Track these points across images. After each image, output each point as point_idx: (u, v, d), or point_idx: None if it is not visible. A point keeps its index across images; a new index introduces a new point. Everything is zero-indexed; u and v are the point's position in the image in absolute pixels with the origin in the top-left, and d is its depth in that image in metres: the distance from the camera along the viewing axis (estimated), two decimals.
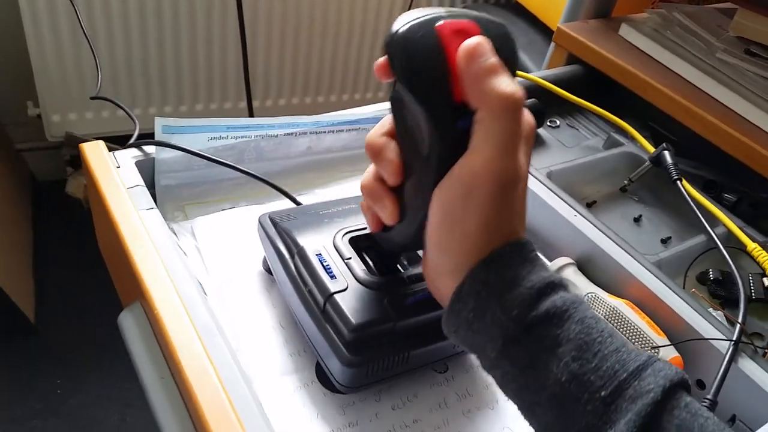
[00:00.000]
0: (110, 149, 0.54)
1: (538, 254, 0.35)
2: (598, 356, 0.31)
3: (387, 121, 0.37)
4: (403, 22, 0.32)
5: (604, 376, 0.30)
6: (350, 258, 0.43)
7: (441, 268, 0.35)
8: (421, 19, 0.32)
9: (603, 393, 0.30)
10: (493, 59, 0.32)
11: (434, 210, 0.34)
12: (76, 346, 1.33)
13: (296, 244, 0.44)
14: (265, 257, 0.50)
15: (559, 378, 0.31)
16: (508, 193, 0.33)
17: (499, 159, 0.32)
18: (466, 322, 0.33)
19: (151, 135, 0.55)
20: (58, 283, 1.44)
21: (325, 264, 0.42)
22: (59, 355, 1.31)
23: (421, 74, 0.31)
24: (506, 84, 0.32)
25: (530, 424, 0.33)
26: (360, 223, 0.46)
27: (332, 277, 0.41)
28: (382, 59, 0.33)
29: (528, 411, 0.33)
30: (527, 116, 0.35)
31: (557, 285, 0.33)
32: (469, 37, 0.32)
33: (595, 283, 0.54)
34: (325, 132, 0.63)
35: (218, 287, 0.49)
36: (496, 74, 0.31)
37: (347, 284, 0.41)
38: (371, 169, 0.38)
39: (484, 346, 0.33)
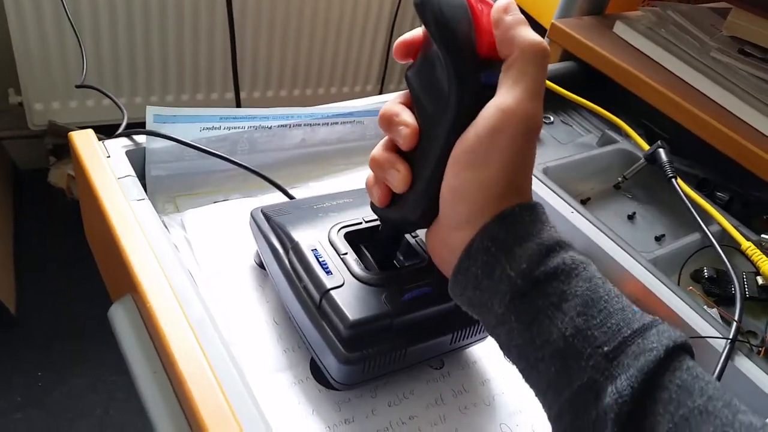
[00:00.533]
0: (101, 140, 0.53)
1: (548, 217, 0.35)
2: (603, 313, 0.31)
3: (401, 94, 0.38)
4: None
5: (608, 332, 0.30)
6: (346, 253, 0.42)
7: (454, 220, 0.35)
8: None
9: (606, 348, 0.30)
10: (521, 15, 0.34)
11: (456, 155, 0.34)
12: (57, 338, 1.31)
13: (291, 239, 0.43)
14: (257, 251, 0.49)
15: (563, 332, 0.31)
16: (530, 139, 0.34)
17: (528, 101, 0.33)
18: (475, 279, 0.34)
19: (138, 125, 0.53)
20: (39, 274, 1.42)
21: (320, 259, 0.41)
22: (41, 347, 1.29)
23: (451, 26, 0.33)
24: (535, 34, 0.34)
25: (531, 385, 0.34)
26: (355, 217, 0.45)
27: (328, 272, 0.40)
28: (404, 36, 0.37)
29: (531, 369, 0.33)
30: None
31: (567, 245, 0.34)
32: (489, 5, 0.35)
33: None
34: (319, 124, 0.62)
35: (209, 282, 0.48)
36: (525, 26, 0.34)
37: (343, 280, 0.40)
38: (382, 142, 0.39)
39: (491, 303, 0.33)
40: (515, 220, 0.33)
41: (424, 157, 0.36)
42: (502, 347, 0.35)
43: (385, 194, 0.39)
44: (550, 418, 0.33)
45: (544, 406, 0.33)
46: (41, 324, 1.33)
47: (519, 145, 0.33)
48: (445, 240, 0.36)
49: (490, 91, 0.34)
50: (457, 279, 0.35)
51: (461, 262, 0.34)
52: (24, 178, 1.59)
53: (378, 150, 0.38)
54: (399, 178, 0.37)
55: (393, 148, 0.38)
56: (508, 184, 0.34)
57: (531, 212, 0.34)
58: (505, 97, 0.33)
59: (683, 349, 0.31)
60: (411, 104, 0.37)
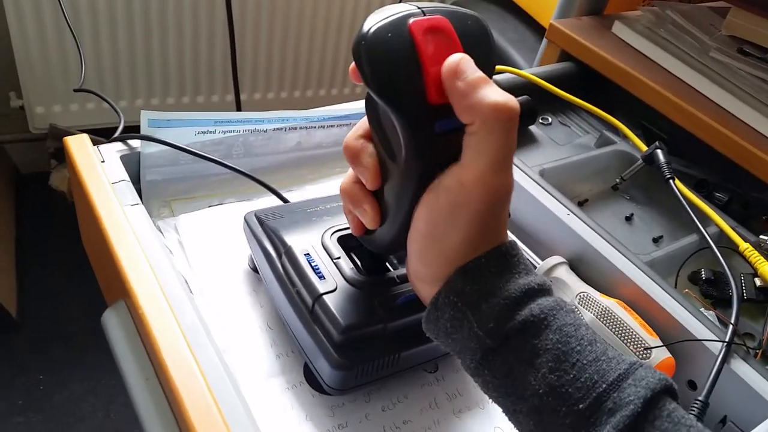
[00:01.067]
0: (95, 142, 0.53)
1: (521, 256, 0.34)
2: (576, 367, 0.30)
3: (363, 123, 0.36)
4: (371, 23, 0.30)
5: (582, 388, 0.29)
6: (339, 258, 0.42)
7: (420, 276, 0.35)
8: (391, 18, 0.30)
9: (581, 406, 0.29)
10: (477, 73, 0.31)
11: (417, 220, 0.33)
12: (59, 342, 1.31)
13: (284, 244, 0.43)
14: (251, 256, 0.49)
15: (537, 390, 0.30)
16: (497, 210, 0.32)
17: (491, 175, 0.31)
18: (445, 330, 0.33)
19: (138, 128, 0.53)
20: (41, 278, 1.42)
21: (313, 264, 0.41)
22: (42, 351, 1.29)
23: (393, 78, 0.30)
24: (498, 94, 0.30)
25: (515, 427, 0.33)
26: None
27: (321, 277, 0.40)
28: (353, 64, 0.32)
29: (511, 416, 0.33)
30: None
31: (537, 291, 0.32)
32: (442, 34, 0.31)
33: (587, 283, 0.54)
34: (315, 127, 0.62)
35: (203, 286, 0.48)
36: (485, 85, 0.30)
37: (336, 285, 0.40)
38: (350, 173, 0.37)
39: (464, 356, 0.33)
40: (480, 272, 0.32)
41: (390, 199, 0.35)
42: (482, 390, 0.34)
43: (358, 225, 0.38)
44: None
45: None
46: (42, 327, 1.33)
47: (483, 218, 0.32)
48: (414, 285, 0.36)
49: (452, 136, 0.32)
50: (428, 327, 0.34)
51: (429, 313, 0.34)
52: (25, 182, 1.59)
53: (346, 182, 0.37)
54: (367, 217, 0.36)
55: (360, 181, 0.36)
56: (472, 250, 0.32)
57: (498, 261, 0.32)
58: (468, 170, 0.31)
59: (664, 392, 0.30)
60: (371, 135, 0.35)
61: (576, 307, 0.51)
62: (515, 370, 0.31)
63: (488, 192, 0.31)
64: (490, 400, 0.44)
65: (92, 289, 0.57)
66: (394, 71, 0.30)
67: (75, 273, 1.40)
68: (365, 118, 0.35)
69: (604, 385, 0.29)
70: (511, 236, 0.57)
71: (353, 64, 0.31)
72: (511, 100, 0.31)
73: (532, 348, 0.31)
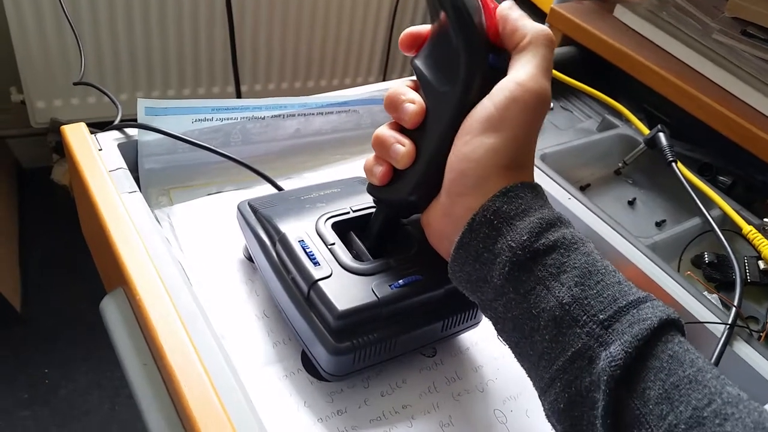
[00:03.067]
0: (93, 132, 0.52)
1: (548, 199, 0.37)
2: (600, 284, 0.32)
3: (406, 80, 0.40)
4: None
5: (604, 302, 0.31)
6: (334, 243, 0.41)
7: (460, 187, 0.36)
8: None
9: (602, 316, 0.31)
10: (523, 12, 0.37)
11: (467, 126, 0.36)
12: (63, 335, 1.32)
13: (278, 231, 0.42)
14: (245, 245, 0.49)
15: (560, 300, 0.32)
16: (540, 113, 0.36)
17: (541, 77, 0.35)
18: (475, 253, 0.34)
19: (136, 119, 0.53)
20: (44, 272, 1.42)
21: (308, 250, 0.41)
22: (46, 345, 1.30)
23: (468, 10, 0.36)
24: (540, 24, 0.37)
25: (523, 360, 0.34)
26: (343, 207, 0.45)
27: (316, 263, 0.40)
28: (411, 28, 0.39)
29: (525, 340, 0.33)
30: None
31: (567, 222, 0.35)
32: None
33: None
34: (314, 114, 0.62)
35: (198, 276, 0.47)
36: (530, 19, 0.37)
37: (331, 270, 0.40)
38: (385, 124, 0.40)
39: (490, 276, 0.34)
40: (518, 195, 0.34)
41: (429, 134, 0.38)
42: (497, 323, 0.35)
43: (386, 172, 0.39)
44: (539, 392, 0.33)
45: (534, 381, 0.34)
46: (46, 321, 1.34)
47: (530, 118, 0.35)
48: (449, 211, 0.37)
49: (496, 73, 0.36)
50: (458, 254, 0.35)
51: (464, 236, 0.35)
52: (27, 177, 1.59)
53: (382, 128, 0.40)
54: (403, 152, 0.38)
55: (397, 127, 0.39)
56: (515, 155, 0.35)
57: (533, 190, 0.35)
58: (520, 72, 0.35)
59: (675, 326, 0.31)
60: (417, 88, 0.39)
61: None
62: (540, 284, 0.32)
63: (538, 89, 0.35)
64: (488, 384, 0.44)
65: (96, 282, 0.57)
66: (469, 7, 0.36)
67: (78, 266, 1.40)
68: (403, 79, 0.41)
69: (624, 302, 0.31)
70: None
71: (408, 30, 0.39)
72: (550, 30, 0.37)
73: (561, 264, 0.32)
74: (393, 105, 0.39)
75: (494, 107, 0.35)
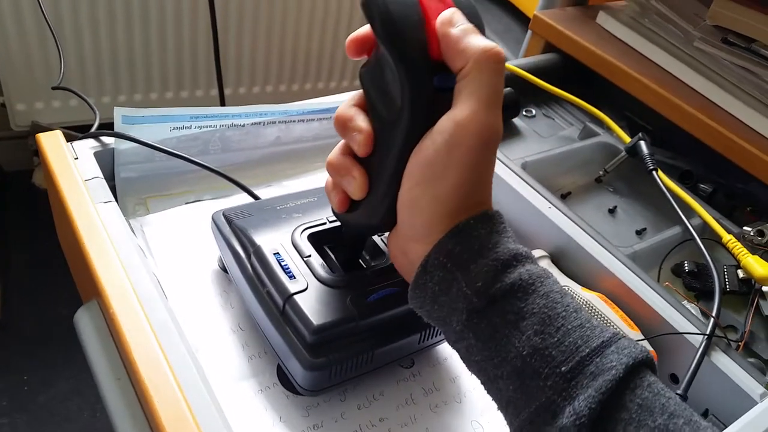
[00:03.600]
0: (70, 138, 0.52)
1: (507, 226, 0.34)
2: (560, 331, 0.30)
3: (356, 95, 0.37)
4: None
5: (566, 351, 0.30)
6: (310, 256, 0.41)
7: (411, 232, 0.34)
8: None
9: (564, 368, 0.29)
10: (468, 24, 0.33)
11: (410, 170, 0.33)
12: (43, 341, 1.30)
13: (252, 244, 0.42)
14: (220, 256, 0.48)
15: (521, 351, 0.30)
16: (489, 151, 0.33)
17: (485, 112, 0.32)
18: (432, 294, 0.33)
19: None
20: (24, 277, 1.40)
21: (283, 264, 0.40)
22: (26, 351, 1.28)
23: (401, 26, 0.32)
24: (486, 41, 0.33)
25: (493, 399, 0.33)
26: (319, 218, 0.44)
27: (291, 277, 0.39)
28: (356, 32, 0.35)
29: (491, 385, 0.32)
30: None
31: (524, 258, 0.33)
32: (443, 2, 0.33)
33: (568, 276, 0.53)
34: (295, 121, 0.61)
35: (172, 287, 0.47)
36: (474, 33, 0.33)
37: (307, 284, 0.39)
38: (339, 146, 0.37)
39: (450, 319, 0.33)
40: (470, 234, 0.32)
41: (380, 164, 0.35)
42: (463, 360, 0.34)
43: (343, 199, 0.38)
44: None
45: (506, 420, 0.32)
46: (26, 327, 1.32)
47: (476, 159, 0.32)
48: (404, 250, 0.35)
49: (446, 95, 0.33)
50: (415, 293, 0.34)
51: (418, 278, 0.33)
52: (8, 180, 1.57)
53: (334, 154, 0.37)
54: (355, 185, 0.36)
55: (350, 152, 0.37)
56: (464, 198, 0.33)
57: (487, 224, 0.33)
58: (461, 109, 0.32)
59: (645, 364, 0.30)
60: (366, 106, 0.36)
61: None
62: (500, 331, 0.31)
63: (482, 128, 0.32)
64: (466, 394, 0.44)
65: (77, 288, 0.56)
66: (402, 21, 0.32)
67: (59, 272, 1.38)
68: (355, 92, 0.37)
69: (587, 350, 0.30)
70: None
71: (353, 34, 0.35)
72: (497, 46, 0.33)
73: (519, 311, 0.31)
74: (341, 129, 0.36)
75: (435, 153, 0.32)
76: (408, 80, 0.32)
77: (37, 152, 1.42)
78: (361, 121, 0.35)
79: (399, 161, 0.34)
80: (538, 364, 0.30)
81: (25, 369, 1.25)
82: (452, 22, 0.33)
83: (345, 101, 0.37)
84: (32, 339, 1.30)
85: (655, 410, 0.28)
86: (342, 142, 0.37)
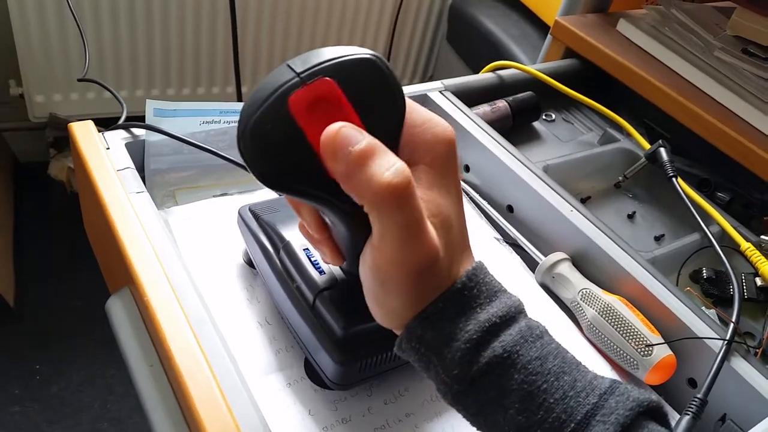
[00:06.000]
0: (101, 131, 0.53)
1: (481, 283, 0.32)
2: (543, 407, 0.30)
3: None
4: (248, 114, 0.28)
5: (551, 429, 0.29)
6: None
7: (380, 318, 0.33)
8: (268, 101, 0.28)
9: None
10: (358, 145, 0.28)
11: (362, 279, 0.32)
12: (56, 332, 1.31)
13: (281, 239, 0.42)
14: (245, 250, 0.49)
15: (507, 430, 0.30)
16: (424, 274, 0.30)
17: (402, 251, 0.29)
18: (417, 365, 0.33)
19: (138, 118, 0.53)
20: (39, 268, 1.42)
21: (312, 259, 0.41)
22: (39, 341, 1.29)
23: (286, 170, 0.28)
24: (379, 171, 0.27)
25: None
26: None
27: (321, 272, 0.40)
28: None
29: None
30: (439, 134, 0.32)
31: (498, 326, 0.31)
32: (328, 103, 0.28)
33: (589, 279, 0.54)
34: None
35: (197, 281, 0.47)
36: (364, 164, 0.27)
37: (336, 279, 0.40)
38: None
39: (438, 391, 0.33)
40: (438, 317, 0.31)
41: (343, 245, 0.35)
42: None
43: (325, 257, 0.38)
44: None
45: None
46: (40, 317, 1.33)
47: (413, 285, 0.30)
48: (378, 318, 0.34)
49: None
50: (402, 355, 0.33)
51: (397, 349, 0.33)
52: (24, 171, 1.59)
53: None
54: (328, 258, 0.36)
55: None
56: (420, 303, 0.31)
57: (456, 301, 0.31)
58: (379, 252, 0.29)
59: (643, 414, 0.30)
60: None
61: (578, 303, 0.51)
62: (485, 409, 0.31)
63: (405, 266, 0.29)
64: None
65: (90, 279, 0.57)
66: (284, 164, 0.28)
67: (73, 263, 1.40)
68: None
69: (572, 425, 0.29)
70: (490, 234, 0.57)
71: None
72: (397, 174, 0.27)
73: (499, 389, 0.30)
74: (295, 211, 0.36)
75: (372, 282, 0.31)
76: (323, 211, 0.31)
77: (53, 144, 1.44)
78: (308, 213, 0.35)
79: (353, 254, 0.33)
80: None
81: (38, 359, 1.26)
82: (334, 154, 0.28)
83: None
84: (45, 329, 1.31)
85: None
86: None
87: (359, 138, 0.28)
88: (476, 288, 0.31)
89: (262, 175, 0.28)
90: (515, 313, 0.32)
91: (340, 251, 0.36)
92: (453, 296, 0.31)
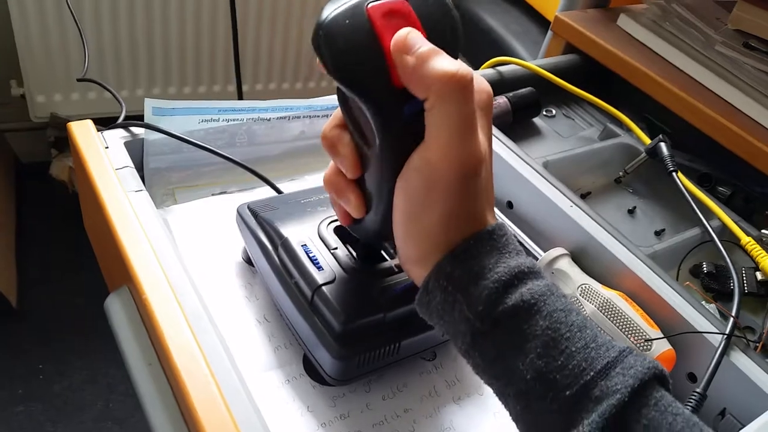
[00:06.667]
0: (100, 130, 0.53)
1: (510, 236, 0.33)
2: (564, 353, 0.30)
3: (339, 113, 0.35)
4: (329, 11, 0.30)
5: (570, 375, 0.29)
6: (336, 248, 0.42)
7: (408, 258, 0.34)
8: (348, 4, 0.30)
9: (568, 393, 0.29)
10: (426, 46, 0.30)
11: (397, 201, 0.33)
12: (58, 331, 1.31)
13: (280, 236, 0.42)
14: (244, 248, 0.49)
15: (524, 375, 0.30)
16: (470, 181, 0.32)
17: (456, 147, 0.30)
18: (437, 312, 0.33)
19: (139, 117, 0.53)
20: (41, 267, 1.42)
21: (311, 255, 0.41)
22: (42, 340, 1.30)
23: (355, 65, 0.30)
24: (447, 64, 0.30)
25: (506, 408, 0.33)
26: None
27: (319, 268, 0.40)
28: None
29: (501, 398, 0.32)
30: (481, 84, 0.34)
31: (526, 274, 0.32)
32: (402, 17, 0.31)
33: (588, 274, 0.54)
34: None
35: (196, 279, 0.47)
36: (433, 58, 0.30)
37: (335, 275, 0.40)
38: (332, 164, 0.37)
39: (455, 339, 0.33)
40: (469, 255, 0.32)
41: (371, 185, 0.35)
42: (473, 370, 0.34)
43: (345, 215, 0.38)
44: None
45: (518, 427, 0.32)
46: (42, 317, 1.33)
47: (458, 191, 0.31)
48: (406, 268, 0.36)
49: (421, 118, 0.31)
50: (420, 309, 0.34)
51: (421, 297, 0.33)
52: (26, 171, 1.59)
53: (329, 174, 0.37)
54: (352, 207, 0.36)
55: (341, 171, 0.36)
56: (455, 226, 0.32)
57: (486, 243, 0.32)
58: (432, 146, 0.31)
59: (655, 378, 0.30)
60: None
61: (577, 299, 0.51)
62: (504, 354, 0.31)
63: (456, 164, 0.31)
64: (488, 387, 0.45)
65: (92, 278, 0.57)
66: (355, 58, 0.30)
67: (75, 262, 1.40)
68: (338, 109, 0.35)
69: (591, 373, 0.29)
70: (499, 216, 0.57)
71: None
72: (462, 68, 0.30)
73: (522, 333, 0.30)
74: (328, 150, 0.35)
75: (414, 190, 0.32)
76: (376, 117, 0.31)
77: (55, 144, 1.44)
78: (345, 146, 0.34)
79: (388, 188, 0.33)
80: (542, 389, 0.30)
81: (41, 358, 1.26)
82: (406, 48, 0.30)
83: (327, 122, 0.36)
84: (47, 328, 1.32)
85: (662, 429, 0.28)
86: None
87: (424, 41, 0.30)
88: (505, 238, 0.33)
89: (333, 63, 0.30)
90: (539, 271, 0.33)
91: (365, 200, 0.35)
92: (484, 237, 0.32)
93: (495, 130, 0.63)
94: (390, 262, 0.43)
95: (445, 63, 0.30)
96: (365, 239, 0.40)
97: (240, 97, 1.31)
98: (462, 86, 0.30)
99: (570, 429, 0.29)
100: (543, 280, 0.32)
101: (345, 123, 0.35)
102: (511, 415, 0.32)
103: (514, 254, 0.32)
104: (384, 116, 0.31)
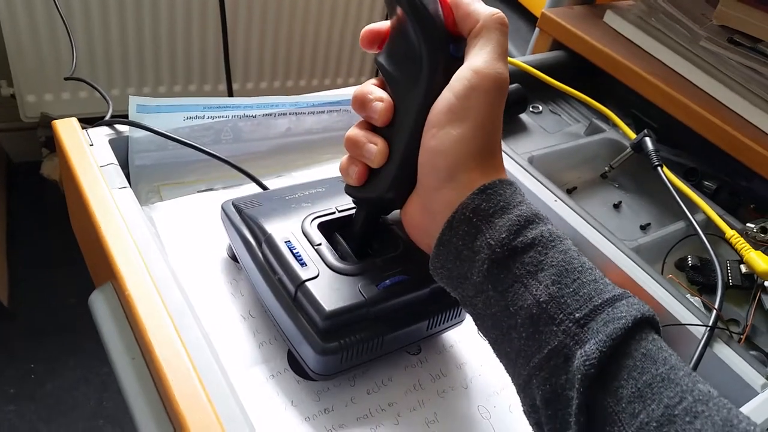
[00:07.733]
0: (84, 128, 0.53)
1: (521, 191, 0.37)
2: (576, 282, 0.32)
3: (373, 79, 0.40)
4: None
5: (581, 300, 0.32)
6: (320, 244, 0.42)
7: (434, 181, 0.36)
8: None
9: (578, 314, 0.31)
10: None
11: (431, 119, 0.36)
12: (50, 330, 1.31)
13: (263, 232, 0.43)
14: (229, 244, 0.49)
15: (537, 299, 0.32)
16: (501, 96, 0.37)
17: (497, 61, 0.36)
18: (455, 250, 0.35)
19: (127, 115, 0.53)
20: (32, 267, 1.42)
21: (294, 251, 0.41)
22: (33, 339, 1.29)
23: (424, 5, 0.37)
24: (491, 8, 0.38)
25: (501, 356, 0.35)
26: (329, 207, 0.45)
27: (302, 264, 0.40)
28: (373, 25, 0.40)
29: (503, 337, 0.34)
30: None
31: (544, 219, 0.35)
32: None
33: None
34: (305, 113, 0.62)
35: (181, 275, 0.47)
36: (479, 2, 0.38)
37: (318, 271, 0.40)
38: (356, 124, 0.40)
39: (470, 273, 0.35)
40: (496, 191, 0.35)
41: (399, 130, 0.38)
42: (477, 320, 0.36)
43: (361, 172, 0.40)
44: (517, 388, 0.34)
45: (512, 377, 0.34)
46: (34, 316, 1.33)
47: (491, 102, 0.36)
48: (427, 206, 0.37)
49: (457, 62, 0.37)
50: (438, 251, 0.36)
51: (443, 234, 0.35)
52: (17, 171, 1.59)
53: (353, 129, 0.40)
54: (376, 151, 0.39)
55: (368, 126, 0.40)
56: (482, 141, 0.36)
57: (510, 186, 0.36)
58: (476, 59, 0.36)
59: (650, 323, 0.32)
60: (383, 86, 0.40)
61: None
62: (519, 281, 0.33)
63: (496, 74, 0.36)
64: (473, 380, 0.45)
65: (84, 277, 0.57)
66: (424, 2, 0.37)
67: (67, 262, 1.40)
68: (370, 80, 0.41)
69: (600, 300, 0.32)
70: None
71: (368, 27, 0.40)
72: (501, 12, 0.38)
73: (539, 262, 0.33)
74: (361, 104, 0.39)
75: (455, 98, 0.36)
76: (429, 49, 0.37)
77: (46, 143, 1.43)
78: (381, 93, 0.39)
79: (417, 124, 0.37)
80: (553, 310, 0.32)
81: (32, 357, 1.26)
82: None
83: (362, 84, 0.40)
84: (39, 328, 1.31)
85: (659, 360, 0.30)
86: (358, 121, 0.40)
87: None
88: (519, 191, 0.37)
89: None
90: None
91: (388, 146, 0.39)
92: (509, 183, 0.36)
93: None
94: (374, 258, 0.43)
95: (490, 7, 0.38)
96: (371, 202, 0.41)
97: (230, 96, 1.31)
98: (503, 22, 0.37)
99: (577, 349, 0.31)
100: (555, 228, 0.36)
101: (377, 83, 0.40)
102: (509, 357, 0.34)
103: (530, 204, 0.36)
104: (436, 47, 0.37)
